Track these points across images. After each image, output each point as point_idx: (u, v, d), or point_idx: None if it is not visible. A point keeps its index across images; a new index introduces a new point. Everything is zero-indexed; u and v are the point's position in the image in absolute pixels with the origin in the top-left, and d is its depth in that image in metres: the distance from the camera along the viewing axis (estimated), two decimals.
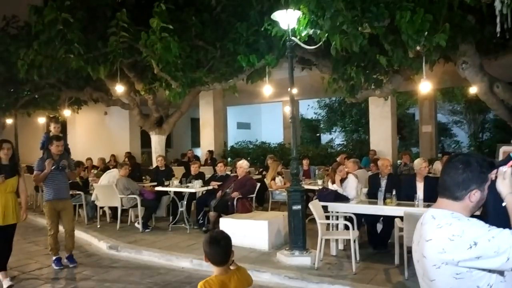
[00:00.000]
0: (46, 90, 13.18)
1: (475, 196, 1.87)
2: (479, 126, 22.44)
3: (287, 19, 6.10)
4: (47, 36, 8.22)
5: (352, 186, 7.00)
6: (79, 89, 12.68)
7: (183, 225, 8.51)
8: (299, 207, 6.14)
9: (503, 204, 1.80)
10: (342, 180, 7.11)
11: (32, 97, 13.92)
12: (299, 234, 6.15)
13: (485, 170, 1.89)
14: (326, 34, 5.85)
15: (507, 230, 1.69)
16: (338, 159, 11.26)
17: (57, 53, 8.34)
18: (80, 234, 8.07)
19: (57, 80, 11.78)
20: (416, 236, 1.97)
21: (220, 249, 2.63)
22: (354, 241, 5.80)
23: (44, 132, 7.09)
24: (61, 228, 6.47)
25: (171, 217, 8.95)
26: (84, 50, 8.36)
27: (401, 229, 5.59)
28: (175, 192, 8.71)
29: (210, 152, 14.29)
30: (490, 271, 1.75)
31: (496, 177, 1.91)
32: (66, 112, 14.03)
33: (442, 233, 1.78)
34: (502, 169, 1.90)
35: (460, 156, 1.97)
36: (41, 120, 16.90)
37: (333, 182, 7.13)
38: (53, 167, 5.98)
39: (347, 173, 7.24)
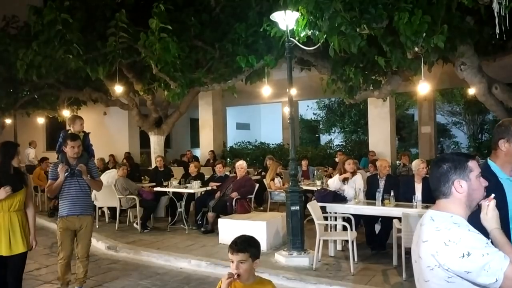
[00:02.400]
0: (45, 90, 13.19)
1: (461, 187, 1.90)
2: (478, 127, 22.46)
3: (286, 20, 6.12)
4: (46, 36, 8.23)
5: (361, 183, 7.01)
6: (78, 89, 12.70)
7: (181, 225, 8.52)
8: (297, 207, 6.15)
9: (489, 240, 1.81)
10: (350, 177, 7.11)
11: (31, 97, 13.93)
12: (297, 234, 6.16)
13: (462, 159, 1.94)
14: (325, 35, 5.85)
15: (502, 254, 1.71)
16: (338, 158, 11.28)
17: (56, 53, 8.35)
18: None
19: (56, 80, 11.80)
20: (415, 237, 2.00)
21: None
22: (352, 242, 5.81)
23: (62, 131, 5.77)
24: None
25: (169, 218, 8.95)
26: (83, 51, 8.37)
27: (399, 230, 5.60)
28: (174, 193, 8.71)
29: (213, 152, 14.32)
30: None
31: (480, 208, 1.95)
32: (65, 112, 14.02)
33: (439, 236, 1.79)
34: (485, 203, 1.92)
35: (437, 156, 2.04)
36: (40, 120, 16.92)
37: (341, 174, 7.08)
38: (66, 174, 4.70)
39: (355, 171, 7.23)
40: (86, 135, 5.81)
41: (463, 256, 1.71)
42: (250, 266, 2.56)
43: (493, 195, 2.05)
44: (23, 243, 4.15)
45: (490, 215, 1.91)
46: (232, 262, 2.55)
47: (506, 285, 1.67)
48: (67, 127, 5.69)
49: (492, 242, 1.81)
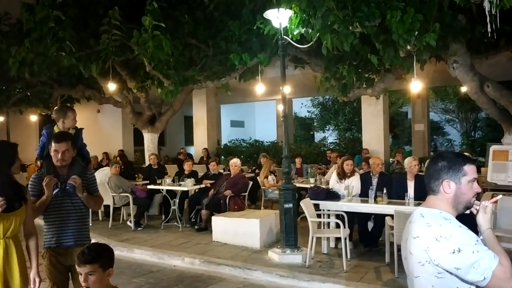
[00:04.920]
0: (38, 88, 13.10)
1: (449, 187, 1.91)
2: (471, 125, 22.61)
3: (279, 18, 6.13)
4: (38, 33, 8.17)
5: (358, 182, 7.02)
6: (71, 86, 12.62)
7: (175, 223, 8.53)
8: (290, 205, 6.18)
9: (480, 238, 1.84)
10: (347, 176, 7.13)
11: (24, 95, 13.83)
12: (290, 232, 6.19)
13: (458, 161, 1.93)
14: (318, 33, 5.87)
15: (492, 254, 1.73)
16: (332, 157, 11.32)
17: (48, 51, 8.29)
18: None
19: (49, 78, 11.71)
20: (405, 234, 2.02)
21: None
22: (345, 239, 5.84)
23: (44, 127, 4.25)
24: None
25: (163, 216, 8.95)
26: (76, 48, 8.32)
27: (391, 228, 5.63)
28: (168, 191, 8.71)
29: (207, 150, 14.32)
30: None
31: (478, 210, 1.97)
32: None
33: (430, 232, 1.81)
34: (484, 203, 1.95)
35: (437, 152, 2.06)
36: (33, 118, 16.81)
37: (338, 173, 7.13)
38: (55, 191, 3.29)
39: (353, 171, 7.26)
40: (79, 132, 4.28)
41: (454, 252, 1.73)
42: (100, 277, 2.36)
43: (500, 196, 2.10)
44: (22, 281, 3.04)
45: (489, 214, 1.93)
46: (81, 274, 2.37)
47: (493, 283, 1.70)
48: (58, 122, 4.14)
49: (483, 242, 1.84)
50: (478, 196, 2.01)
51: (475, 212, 1.97)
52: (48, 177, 3.27)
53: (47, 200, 3.27)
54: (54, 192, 3.27)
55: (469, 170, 1.93)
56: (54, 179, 3.27)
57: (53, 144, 3.36)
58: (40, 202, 3.27)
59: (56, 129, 4.05)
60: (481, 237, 1.87)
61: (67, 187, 3.31)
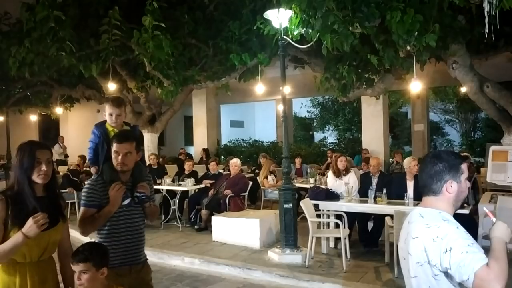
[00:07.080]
0: (38, 88, 13.12)
1: (452, 187, 1.94)
2: (471, 125, 22.65)
3: (279, 18, 6.14)
4: (38, 33, 8.17)
5: (355, 179, 7.07)
6: (71, 86, 12.62)
7: (175, 223, 8.54)
8: (290, 205, 6.19)
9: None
10: (342, 173, 7.14)
11: (24, 95, 13.84)
12: (290, 232, 6.20)
13: (457, 161, 1.97)
14: (318, 34, 5.87)
15: (482, 256, 1.71)
16: (330, 156, 11.32)
17: (48, 51, 8.29)
18: (71, 232, 8.02)
19: (49, 78, 11.72)
20: (403, 234, 2.03)
21: None
22: (345, 239, 5.85)
23: (95, 125, 3.38)
24: None
25: (163, 215, 8.95)
26: (76, 48, 8.32)
27: (391, 227, 5.64)
28: (168, 190, 8.71)
29: (205, 150, 14.32)
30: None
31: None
32: (58, 110, 13.99)
33: (429, 233, 1.82)
34: (492, 219, 1.94)
35: (431, 152, 2.08)
36: (33, 117, 16.81)
37: (334, 171, 7.17)
38: (126, 201, 2.85)
39: (347, 168, 7.29)
40: (133, 129, 3.48)
41: (446, 251, 1.74)
42: (93, 276, 2.40)
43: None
44: None
45: (501, 226, 1.87)
46: (75, 272, 2.41)
47: (476, 285, 1.68)
48: (106, 116, 3.33)
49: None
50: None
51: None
52: (118, 184, 2.77)
53: (112, 212, 2.78)
54: (125, 203, 2.81)
55: (465, 167, 1.99)
56: (124, 188, 2.79)
57: (114, 144, 2.85)
58: (104, 215, 2.76)
59: (108, 126, 3.33)
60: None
61: (142, 197, 2.87)
